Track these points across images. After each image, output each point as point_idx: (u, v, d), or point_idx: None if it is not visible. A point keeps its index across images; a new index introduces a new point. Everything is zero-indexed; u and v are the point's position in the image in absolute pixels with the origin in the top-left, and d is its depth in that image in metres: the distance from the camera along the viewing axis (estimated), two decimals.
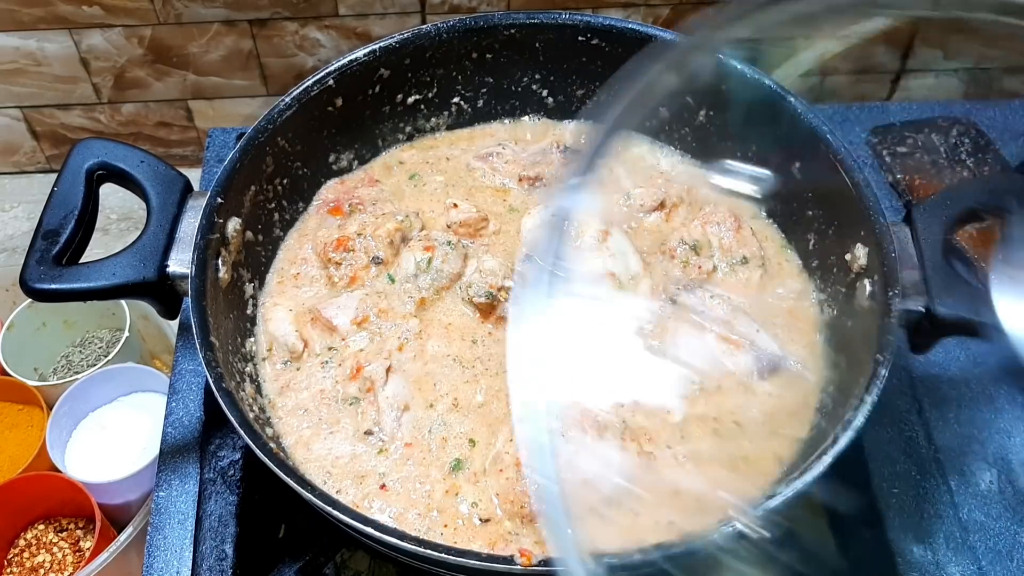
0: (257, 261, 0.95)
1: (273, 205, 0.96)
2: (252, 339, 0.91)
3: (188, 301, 0.83)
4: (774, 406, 0.88)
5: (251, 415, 0.78)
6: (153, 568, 0.94)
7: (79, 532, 1.30)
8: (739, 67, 0.95)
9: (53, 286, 0.82)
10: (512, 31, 1.00)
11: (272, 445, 0.74)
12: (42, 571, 1.26)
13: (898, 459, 1.00)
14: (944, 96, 1.58)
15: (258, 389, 0.88)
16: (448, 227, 0.98)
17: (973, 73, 1.55)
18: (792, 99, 0.93)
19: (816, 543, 0.95)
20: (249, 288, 0.92)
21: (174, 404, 1.04)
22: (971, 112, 1.31)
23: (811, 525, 0.98)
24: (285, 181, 0.97)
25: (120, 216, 1.54)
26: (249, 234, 0.92)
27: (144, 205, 0.88)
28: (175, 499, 0.98)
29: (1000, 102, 1.34)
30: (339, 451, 0.84)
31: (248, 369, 0.88)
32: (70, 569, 1.26)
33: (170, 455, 1.01)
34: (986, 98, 1.58)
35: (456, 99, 1.06)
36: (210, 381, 0.77)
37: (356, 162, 1.04)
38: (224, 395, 0.76)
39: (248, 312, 0.92)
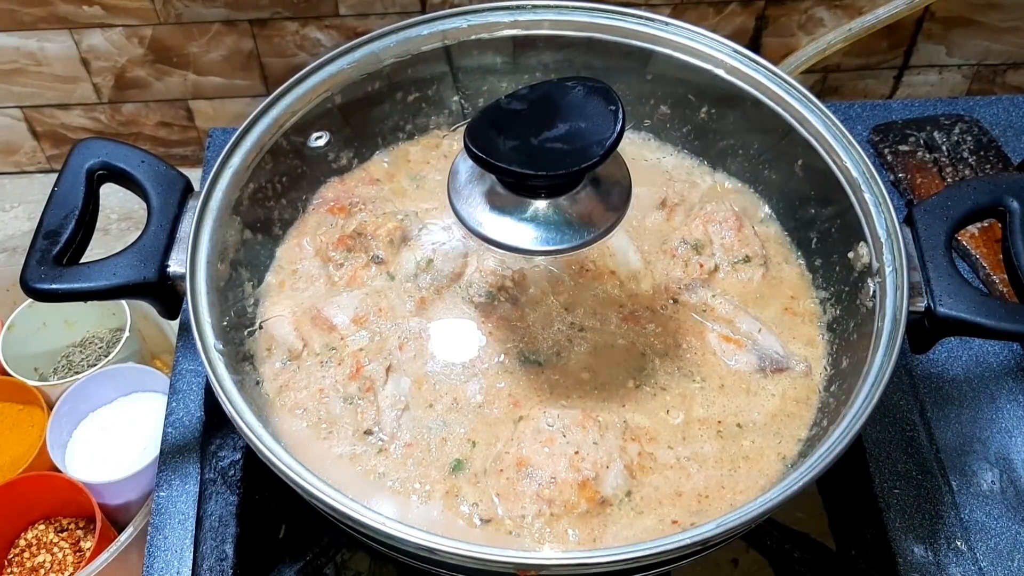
0: (256, 260, 0.95)
1: (272, 203, 0.96)
2: (251, 338, 0.91)
3: (188, 301, 0.83)
4: (776, 406, 0.88)
5: (251, 415, 0.78)
6: (153, 568, 0.94)
7: (79, 532, 1.30)
8: (740, 62, 0.95)
9: (54, 286, 0.82)
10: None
11: (273, 445, 0.74)
12: (42, 571, 1.26)
13: (899, 459, 1.00)
14: (948, 93, 1.58)
15: (257, 388, 0.88)
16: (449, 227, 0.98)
17: (977, 69, 1.55)
18: (795, 95, 0.93)
19: (817, 543, 0.95)
20: (248, 287, 0.92)
21: (174, 404, 1.05)
22: (974, 109, 1.31)
23: (812, 525, 0.98)
24: (284, 179, 0.96)
25: (120, 216, 1.54)
26: (248, 233, 0.92)
27: (144, 205, 0.89)
28: (175, 499, 0.98)
29: (1003, 98, 1.34)
30: (338, 450, 0.84)
31: (247, 368, 0.88)
32: (70, 569, 1.26)
33: (170, 455, 1.01)
34: (990, 94, 1.58)
35: (456, 97, 1.06)
36: (211, 381, 0.77)
37: (356, 160, 1.04)
38: (225, 395, 0.77)
39: (247, 311, 0.92)
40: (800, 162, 0.95)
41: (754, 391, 0.89)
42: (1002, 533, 0.96)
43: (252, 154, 0.91)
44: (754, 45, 1.45)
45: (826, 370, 0.90)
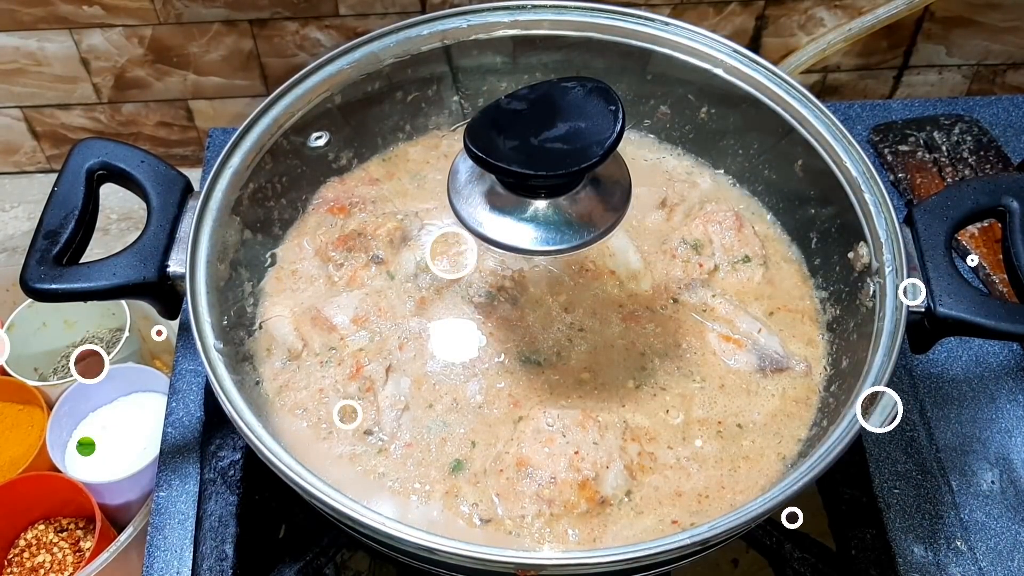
0: (256, 260, 0.95)
1: (272, 203, 0.96)
2: (251, 338, 0.91)
3: (187, 301, 0.83)
4: (776, 406, 0.88)
5: (251, 415, 0.78)
6: (153, 568, 0.94)
7: (79, 532, 1.30)
8: (739, 62, 0.95)
9: (54, 286, 0.82)
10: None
11: (273, 445, 0.74)
12: (42, 571, 1.26)
13: (899, 459, 1.01)
14: (948, 93, 1.58)
15: (257, 388, 0.88)
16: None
17: (977, 69, 1.55)
18: (795, 94, 0.93)
19: (817, 543, 0.96)
20: (248, 287, 0.92)
21: (174, 404, 1.05)
22: (974, 109, 1.31)
23: (812, 524, 0.99)
24: (284, 179, 0.96)
25: (120, 216, 1.54)
26: (248, 233, 0.92)
27: (144, 205, 0.89)
28: (175, 499, 0.98)
29: (1003, 98, 1.34)
30: (338, 450, 0.84)
31: (247, 368, 0.88)
32: (70, 569, 1.26)
33: (170, 455, 1.01)
34: (990, 94, 1.58)
35: (456, 97, 1.06)
36: (211, 381, 0.77)
37: (356, 160, 1.04)
38: (225, 395, 0.77)
39: (247, 311, 0.92)
40: (800, 162, 0.95)
41: (754, 391, 0.89)
42: (1002, 533, 0.97)
43: (252, 154, 0.91)
44: (754, 45, 1.45)
45: (826, 370, 0.90)
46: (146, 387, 1.32)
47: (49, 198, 0.87)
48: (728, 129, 1.01)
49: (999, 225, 0.86)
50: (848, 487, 0.97)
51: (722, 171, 1.05)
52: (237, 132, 0.91)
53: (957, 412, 1.04)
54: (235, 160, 0.90)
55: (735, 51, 0.95)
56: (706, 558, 0.82)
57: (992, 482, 1.00)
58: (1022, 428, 1.03)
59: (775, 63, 1.44)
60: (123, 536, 1.17)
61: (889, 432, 1.02)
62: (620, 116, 0.73)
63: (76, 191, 0.86)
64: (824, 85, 1.54)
